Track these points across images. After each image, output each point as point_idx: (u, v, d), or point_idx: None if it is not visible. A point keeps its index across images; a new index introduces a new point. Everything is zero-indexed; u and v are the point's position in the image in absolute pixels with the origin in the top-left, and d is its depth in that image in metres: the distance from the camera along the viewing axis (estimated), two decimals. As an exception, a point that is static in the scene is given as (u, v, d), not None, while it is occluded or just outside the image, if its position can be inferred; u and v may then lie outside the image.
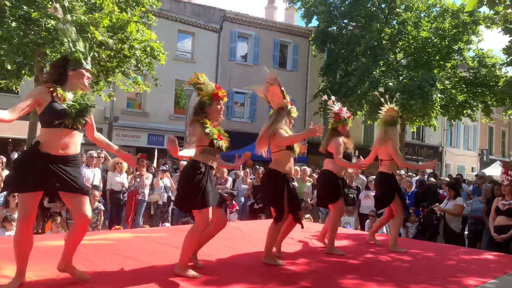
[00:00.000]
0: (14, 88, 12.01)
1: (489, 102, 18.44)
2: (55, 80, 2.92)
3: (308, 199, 9.26)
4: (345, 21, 19.99)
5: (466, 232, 7.79)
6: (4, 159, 8.20)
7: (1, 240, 4.56)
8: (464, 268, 4.28)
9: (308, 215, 8.14)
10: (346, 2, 19.38)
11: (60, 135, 2.83)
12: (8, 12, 9.56)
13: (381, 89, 10.18)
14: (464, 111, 18.49)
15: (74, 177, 2.85)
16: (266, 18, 23.12)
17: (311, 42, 20.96)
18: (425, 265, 4.32)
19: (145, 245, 4.50)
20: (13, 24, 9.38)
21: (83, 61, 3.00)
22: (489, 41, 48.86)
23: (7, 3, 9.34)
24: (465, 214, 7.56)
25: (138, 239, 4.84)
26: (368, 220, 8.16)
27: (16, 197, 6.64)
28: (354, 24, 19.79)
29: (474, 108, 18.69)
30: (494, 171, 19.55)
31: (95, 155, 8.28)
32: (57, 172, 2.79)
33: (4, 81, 11.21)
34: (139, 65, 11.56)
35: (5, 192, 7.36)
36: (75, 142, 2.92)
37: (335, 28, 20.02)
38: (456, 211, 7.14)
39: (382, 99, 5.46)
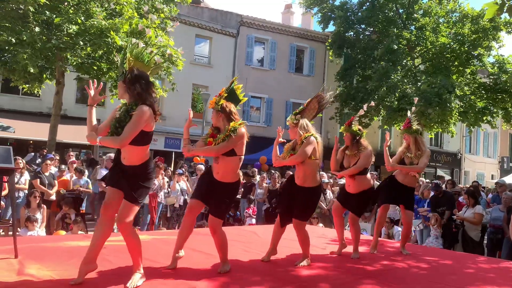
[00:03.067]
0: (36, 91, 12.33)
1: (510, 109, 18.11)
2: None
3: (323, 205, 9.23)
4: (363, 26, 19.91)
5: (485, 241, 7.65)
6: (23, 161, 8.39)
7: (24, 239, 4.67)
8: (482, 276, 4.22)
9: (320, 224, 8.12)
10: (364, 8, 19.32)
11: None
12: (31, 17, 9.83)
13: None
14: (484, 118, 18.18)
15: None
16: (283, 23, 23.18)
17: (328, 47, 20.93)
18: (442, 273, 4.27)
19: (162, 247, 4.56)
20: (36, 29, 9.64)
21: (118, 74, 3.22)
22: (510, 47, 48.00)
23: (31, 9, 9.61)
24: (484, 222, 7.43)
25: (156, 241, 4.91)
26: (384, 227, 8.09)
27: (37, 197, 6.82)
28: (372, 29, 19.70)
29: (494, 115, 18.35)
30: (515, 179, 19.14)
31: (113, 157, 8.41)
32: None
33: (27, 85, 11.51)
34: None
35: (26, 192, 7.57)
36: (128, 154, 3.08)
37: (352, 33, 19.96)
38: (475, 219, 7.04)
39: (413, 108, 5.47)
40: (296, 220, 4.08)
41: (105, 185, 3.22)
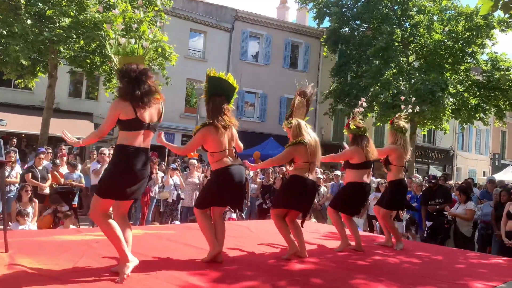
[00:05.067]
0: (30, 85, 12.23)
1: (502, 106, 18.23)
2: None
3: (315, 200, 9.26)
4: (357, 22, 19.92)
5: (476, 237, 7.72)
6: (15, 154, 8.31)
7: (15, 233, 4.64)
8: (473, 272, 4.26)
9: (313, 219, 8.14)
10: (359, 4, 19.32)
11: None
12: (23, 9, 9.72)
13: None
14: (477, 115, 18.29)
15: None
16: (278, 18, 23.14)
17: (323, 43, 20.93)
18: (433, 268, 4.30)
19: (155, 242, 4.55)
20: (28, 21, 9.53)
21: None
22: (503, 44, 48.34)
23: (23, 1, 9.49)
24: (476, 218, 7.50)
25: (148, 236, 4.90)
26: (377, 222, 8.13)
27: (29, 191, 6.77)
28: (366, 25, 19.71)
29: (487, 112, 18.48)
30: (507, 175, 19.32)
31: (106, 152, 8.37)
32: None
33: (21, 80, 11.40)
34: (150, 63, 11.67)
35: (17, 186, 7.51)
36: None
37: (347, 29, 19.98)
38: (467, 216, 7.10)
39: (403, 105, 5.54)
40: (271, 208, 4.33)
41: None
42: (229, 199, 3.82)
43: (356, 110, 5.14)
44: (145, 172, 3.17)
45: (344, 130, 5.08)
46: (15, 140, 11.28)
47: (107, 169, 3.16)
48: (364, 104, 5.28)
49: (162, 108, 3.32)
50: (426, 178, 8.50)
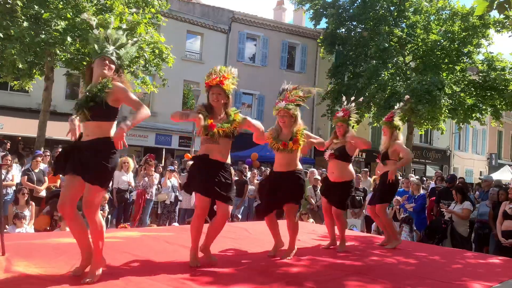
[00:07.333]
0: (26, 87, 12.19)
1: (498, 106, 18.31)
2: (88, 77, 3.21)
3: (313, 201, 9.26)
4: (354, 23, 19.97)
5: (472, 236, 7.73)
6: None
7: (11, 236, 4.62)
8: (470, 272, 4.27)
9: (311, 220, 8.14)
10: (355, 5, 19.37)
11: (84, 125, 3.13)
12: (19, 11, 9.70)
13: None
14: (473, 115, 18.37)
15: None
16: (275, 20, 23.17)
17: (320, 44, 20.96)
18: (431, 268, 4.31)
19: (153, 244, 4.54)
20: (25, 23, 9.51)
21: (98, 50, 3.12)
22: (499, 44, 48.57)
23: (19, 3, 9.48)
24: (472, 218, 7.51)
25: (146, 238, 4.89)
26: (374, 223, 8.13)
27: (26, 194, 6.76)
28: (363, 26, 19.77)
29: (483, 112, 18.56)
30: (503, 175, 19.39)
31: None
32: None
33: (17, 81, 11.36)
34: (147, 65, 11.67)
35: (14, 189, 7.49)
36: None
37: (343, 30, 20.02)
38: (463, 214, 7.12)
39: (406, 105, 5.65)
40: None
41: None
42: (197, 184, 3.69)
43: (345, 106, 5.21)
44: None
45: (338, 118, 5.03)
46: (8, 144, 11.19)
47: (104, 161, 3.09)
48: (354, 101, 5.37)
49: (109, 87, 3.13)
50: (446, 175, 8.44)
